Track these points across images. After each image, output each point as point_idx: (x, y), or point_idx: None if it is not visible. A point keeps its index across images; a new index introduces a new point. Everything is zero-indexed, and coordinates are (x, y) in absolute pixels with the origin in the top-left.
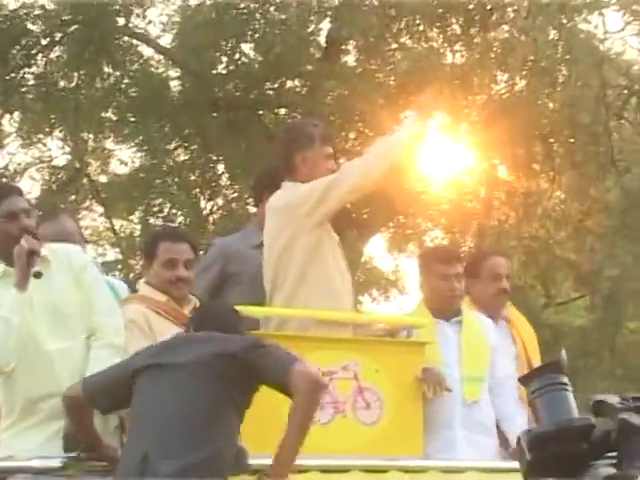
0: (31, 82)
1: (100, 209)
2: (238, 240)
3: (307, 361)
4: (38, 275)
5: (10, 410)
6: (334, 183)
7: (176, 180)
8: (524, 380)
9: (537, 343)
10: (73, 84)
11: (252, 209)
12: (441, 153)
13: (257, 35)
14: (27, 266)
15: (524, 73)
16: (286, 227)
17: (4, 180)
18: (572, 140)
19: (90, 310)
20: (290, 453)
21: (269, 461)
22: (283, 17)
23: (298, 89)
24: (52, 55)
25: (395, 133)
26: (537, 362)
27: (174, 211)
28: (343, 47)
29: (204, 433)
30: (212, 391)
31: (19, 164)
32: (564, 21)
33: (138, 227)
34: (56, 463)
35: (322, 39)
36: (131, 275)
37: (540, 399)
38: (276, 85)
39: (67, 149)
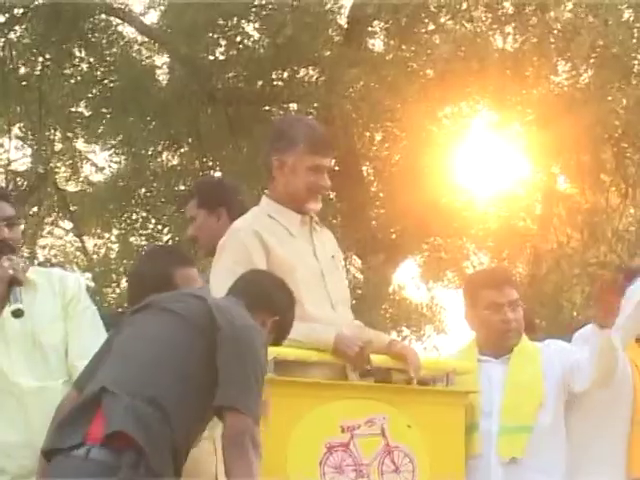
0: None
1: (69, 224)
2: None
3: (255, 410)
4: (19, 314)
5: None
6: None
7: (163, 189)
8: None
9: None
10: (37, 71)
11: None
12: (488, 160)
13: (264, 13)
14: (5, 295)
15: (591, 62)
16: None
17: None
18: None
19: (72, 347)
20: None
21: None
22: None
23: (313, 79)
24: (12, 35)
25: None
26: None
27: (160, 227)
28: (369, 29)
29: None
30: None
31: None
32: None
33: (115, 247)
34: None
35: (343, 18)
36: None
37: None
38: (286, 74)
39: (29, 150)
